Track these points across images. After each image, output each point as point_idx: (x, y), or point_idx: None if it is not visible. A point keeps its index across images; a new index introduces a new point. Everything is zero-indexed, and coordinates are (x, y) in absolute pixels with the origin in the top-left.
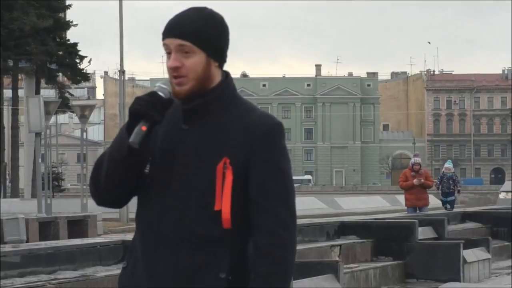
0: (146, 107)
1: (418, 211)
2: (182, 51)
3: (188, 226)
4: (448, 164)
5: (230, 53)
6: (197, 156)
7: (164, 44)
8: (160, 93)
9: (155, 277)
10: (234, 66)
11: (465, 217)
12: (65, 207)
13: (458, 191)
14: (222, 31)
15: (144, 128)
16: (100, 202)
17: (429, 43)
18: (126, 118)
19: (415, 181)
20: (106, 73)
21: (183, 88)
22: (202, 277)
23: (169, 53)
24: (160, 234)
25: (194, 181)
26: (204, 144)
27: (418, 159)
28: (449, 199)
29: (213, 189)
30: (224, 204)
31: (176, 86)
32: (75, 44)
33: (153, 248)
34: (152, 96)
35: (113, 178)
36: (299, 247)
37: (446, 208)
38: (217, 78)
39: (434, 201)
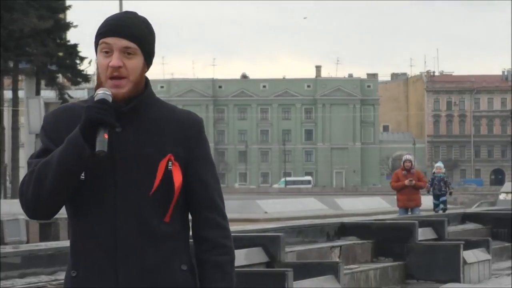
0: (106, 114)
1: (409, 212)
2: (125, 52)
3: (144, 225)
4: (439, 164)
5: (230, 53)
6: (138, 155)
7: (104, 43)
8: (108, 99)
9: (123, 278)
10: (234, 66)
11: (465, 218)
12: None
13: (450, 193)
14: (155, 38)
15: (106, 135)
16: (35, 214)
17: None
18: (85, 123)
19: (406, 181)
20: None
21: (121, 91)
22: (168, 271)
23: (107, 52)
24: (118, 236)
25: (141, 180)
26: (142, 143)
27: (410, 156)
28: (441, 199)
29: (163, 186)
30: (174, 198)
31: (113, 88)
32: (75, 45)
33: (114, 250)
34: (105, 103)
35: (60, 190)
36: (300, 248)
37: (437, 211)
38: (143, 83)
39: (428, 202)
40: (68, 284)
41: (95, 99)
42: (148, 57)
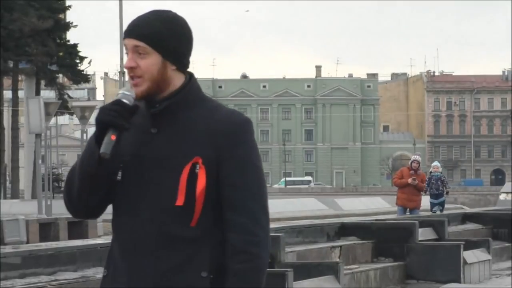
0: (115, 116)
1: (408, 213)
2: (137, 52)
3: (164, 228)
4: (436, 163)
5: (229, 53)
6: (169, 158)
7: (124, 44)
8: (125, 100)
9: (136, 280)
10: (234, 66)
11: (466, 218)
12: (65, 208)
13: (447, 192)
14: (181, 34)
15: (113, 137)
16: (75, 214)
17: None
18: (95, 124)
19: (410, 180)
20: (106, 74)
21: (139, 89)
22: (184, 277)
23: (127, 53)
24: (137, 238)
25: (167, 183)
26: (173, 146)
27: (418, 157)
28: (439, 200)
29: (189, 189)
30: (198, 203)
31: (133, 87)
32: (75, 45)
33: (131, 252)
34: (118, 104)
35: (86, 191)
36: (300, 248)
37: (434, 212)
38: (176, 81)
39: (427, 202)
40: (101, 284)
41: (114, 99)
42: (168, 54)
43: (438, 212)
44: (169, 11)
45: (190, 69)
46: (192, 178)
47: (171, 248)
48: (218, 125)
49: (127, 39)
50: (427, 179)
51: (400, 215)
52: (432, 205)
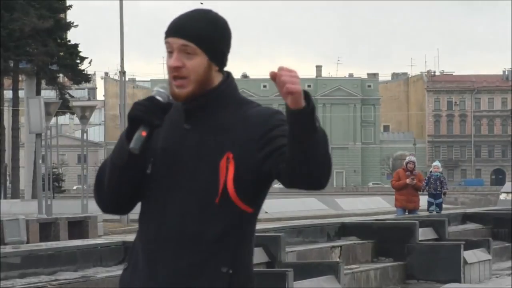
0: (146, 112)
1: (407, 213)
2: (185, 52)
3: (189, 225)
4: (436, 163)
5: (230, 53)
6: (198, 154)
7: (167, 43)
8: (158, 98)
9: (155, 277)
10: (234, 66)
11: (466, 218)
12: (66, 208)
13: (444, 193)
14: (225, 35)
15: (144, 133)
16: (105, 209)
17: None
18: (127, 119)
19: (408, 180)
20: (106, 74)
21: (183, 90)
22: (204, 273)
23: (170, 52)
24: (162, 234)
25: (196, 180)
26: (205, 142)
27: (413, 158)
28: (437, 201)
29: (214, 187)
30: (229, 187)
31: (176, 88)
32: (76, 45)
33: (154, 248)
34: (151, 101)
35: (116, 185)
36: (300, 248)
37: (431, 212)
38: (216, 81)
39: (426, 202)
40: (121, 275)
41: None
42: (214, 55)
43: (434, 213)
44: (211, 11)
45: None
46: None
47: (194, 247)
48: (252, 119)
49: (172, 37)
50: (426, 178)
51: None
52: (429, 204)
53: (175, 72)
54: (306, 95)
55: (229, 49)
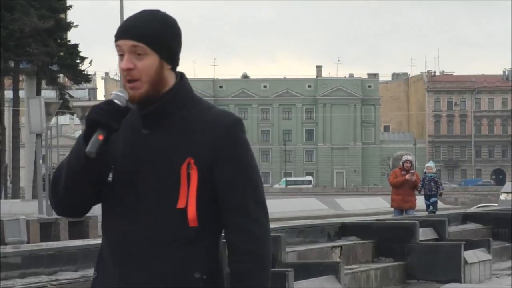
0: (104, 116)
1: (404, 214)
2: (135, 53)
3: (159, 229)
4: (430, 164)
5: (229, 53)
6: (162, 159)
7: (117, 46)
8: (117, 101)
9: (129, 281)
10: (234, 66)
11: (466, 218)
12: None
13: (440, 194)
14: (175, 33)
15: (101, 137)
16: (60, 212)
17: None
18: (85, 123)
19: (407, 176)
20: (107, 74)
21: (138, 92)
22: (177, 278)
23: (121, 55)
24: (132, 239)
25: (162, 184)
26: (167, 146)
27: (410, 157)
28: (431, 200)
29: (178, 192)
30: (190, 203)
31: (130, 90)
32: (76, 45)
33: (126, 253)
34: (109, 104)
35: (72, 188)
36: (300, 248)
37: (429, 212)
38: (170, 81)
39: (422, 203)
40: (91, 284)
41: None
42: (165, 54)
43: (432, 209)
44: (159, 11)
45: (191, 69)
46: (187, 179)
47: (165, 250)
48: (210, 126)
49: (122, 40)
50: (421, 180)
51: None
52: (427, 206)
53: (128, 76)
54: None
55: (180, 48)
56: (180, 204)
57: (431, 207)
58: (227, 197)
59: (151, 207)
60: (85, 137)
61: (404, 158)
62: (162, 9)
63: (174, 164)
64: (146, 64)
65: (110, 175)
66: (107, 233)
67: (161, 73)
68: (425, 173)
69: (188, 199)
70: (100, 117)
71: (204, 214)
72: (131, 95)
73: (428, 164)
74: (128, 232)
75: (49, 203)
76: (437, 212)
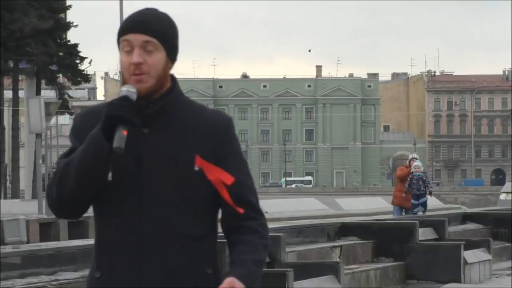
0: (126, 112)
1: (403, 213)
2: (145, 48)
3: (171, 226)
4: (417, 163)
5: (229, 53)
6: (167, 157)
7: (125, 40)
8: (131, 97)
9: (143, 277)
10: (234, 66)
11: (466, 218)
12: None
13: (430, 193)
14: (177, 33)
15: (125, 132)
16: (61, 215)
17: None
18: (104, 119)
19: (414, 164)
20: (106, 74)
21: (143, 85)
22: (190, 273)
23: (128, 51)
24: (143, 236)
25: (168, 181)
26: (169, 144)
27: (416, 155)
28: (421, 201)
29: (190, 187)
30: (222, 191)
31: (136, 83)
32: (76, 45)
33: (137, 250)
34: (126, 100)
35: (83, 190)
36: (300, 248)
37: (416, 213)
38: (168, 79)
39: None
40: (93, 285)
41: (119, 96)
42: (171, 52)
43: (420, 213)
44: (158, 9)
45: (190, 69)
46: (194, 175)
47: (178, 246)
48: (207, 124)
49: (133, 34)
50: (408, 179)
51: (396, 215)
52: (414, 206)
53: (137, 70)
54: None
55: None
56: (181, 196)
57: (420, 207)
58: (231, 191)
59: (159, 203)
60: (106, 134)
61: (410, 156)
62: (163, 9)
63: (182, 161)
64: (156, 60)
65: (110, 174)
66: (109, 231)
67: (166, 70)
68: (412, 172)
69: (202, 196)
70: (123, 113)
71: (213, 210)
72: (137, 88)
73: (415, 164)
74: (139, 229)
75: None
76: (437, 212)
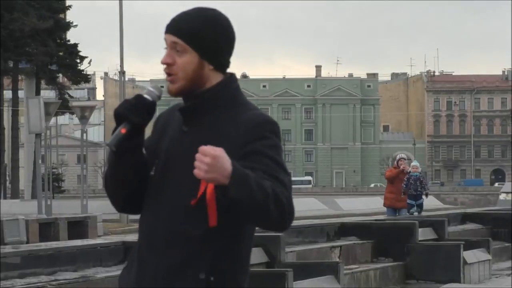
0: (127, 110)
1: (397, 214)
2: (175, 49)
3: (176, 225)
4: (415, 163)
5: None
6: (190, 156)
7: (164, 39)
8: (147, 96)
9: (141, 277)
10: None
11: (465, 218)
12: (65, 208)
13: (426, 194)
14: (222, 34)
15: (123, 130)
16: (118, 208)
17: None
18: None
19: (402, 166)
20: (106, 74)
21: (174, 86)
22: (181, 277)
23: (165, 49)
24: (153, 234)
25: (184, 181)
26: (197, 144)
27: (404, 155)
28: (417, 202)
29: (197, 190)
30: (210, 202)
31: (169, 83)
32: (75, 45)
33: (146, 248)
34: (137, 99)
35: (117, 183)
36: (300, 248)
37: (412, 214)
38: (213, 80)
39: (426, 202)
40: (121, 273)
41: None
42: (206, 54)
43: (415, 214)
44: (213, 9)
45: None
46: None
47: (179, 247)
48: (240, 126)
49: (166, 34)
50: (405, 180)
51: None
52: (410, 206)
53: (167, 69)
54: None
55: (229, 49)
56: (193, 201)
57: (416, 208)
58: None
59: (171, 202)
60: (113, 130)
61: (398, 156)
62: (161, 9)
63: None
64: (185, 61)
65: (153, 169)
66: (139, 226)
67: (200, 72)
68: (409, 172)
69: (207, 198)
70: (124, 111)
71: (223, 216)
72: (168, 87)
73: (413, 164)
74: (152, 226)
75: (49, 203)
76: (437, 213)
